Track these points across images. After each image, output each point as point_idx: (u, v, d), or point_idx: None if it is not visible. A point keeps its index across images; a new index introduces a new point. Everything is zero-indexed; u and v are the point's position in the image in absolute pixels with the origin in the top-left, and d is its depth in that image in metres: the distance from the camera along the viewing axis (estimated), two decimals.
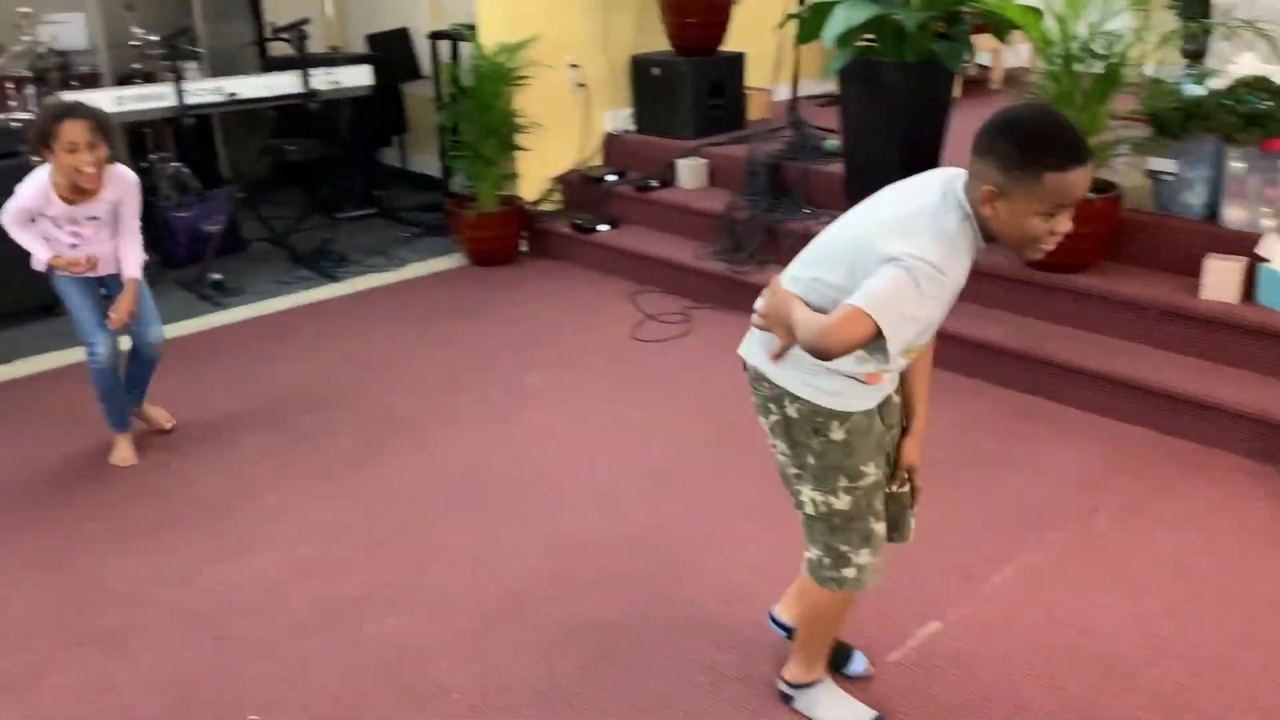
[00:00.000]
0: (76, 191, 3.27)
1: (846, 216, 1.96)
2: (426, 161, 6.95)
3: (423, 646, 2.61)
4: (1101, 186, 3.96)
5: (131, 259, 3.43)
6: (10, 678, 2.55)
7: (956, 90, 6.56)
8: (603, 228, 5.44)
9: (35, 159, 3.33)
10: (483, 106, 5.33)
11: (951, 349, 4.02)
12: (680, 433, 3.67)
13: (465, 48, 5.94)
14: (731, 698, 2.40)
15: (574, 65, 5.72)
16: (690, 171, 5.41)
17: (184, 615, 2.77)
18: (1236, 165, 3.75)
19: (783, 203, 4.92)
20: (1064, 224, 1.75)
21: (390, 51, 6.69)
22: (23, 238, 3.33)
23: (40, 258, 3.33)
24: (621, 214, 5.54)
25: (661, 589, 2.81)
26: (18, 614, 2.80)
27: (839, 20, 4.02)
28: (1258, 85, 3.81)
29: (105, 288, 3.50)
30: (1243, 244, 3.69)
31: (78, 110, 3.17)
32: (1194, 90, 3.83)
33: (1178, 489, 3.20)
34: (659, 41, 5.79)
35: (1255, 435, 3.32)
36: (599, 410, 3.86)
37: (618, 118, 5.98)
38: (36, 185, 3.28)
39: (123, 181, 3.36)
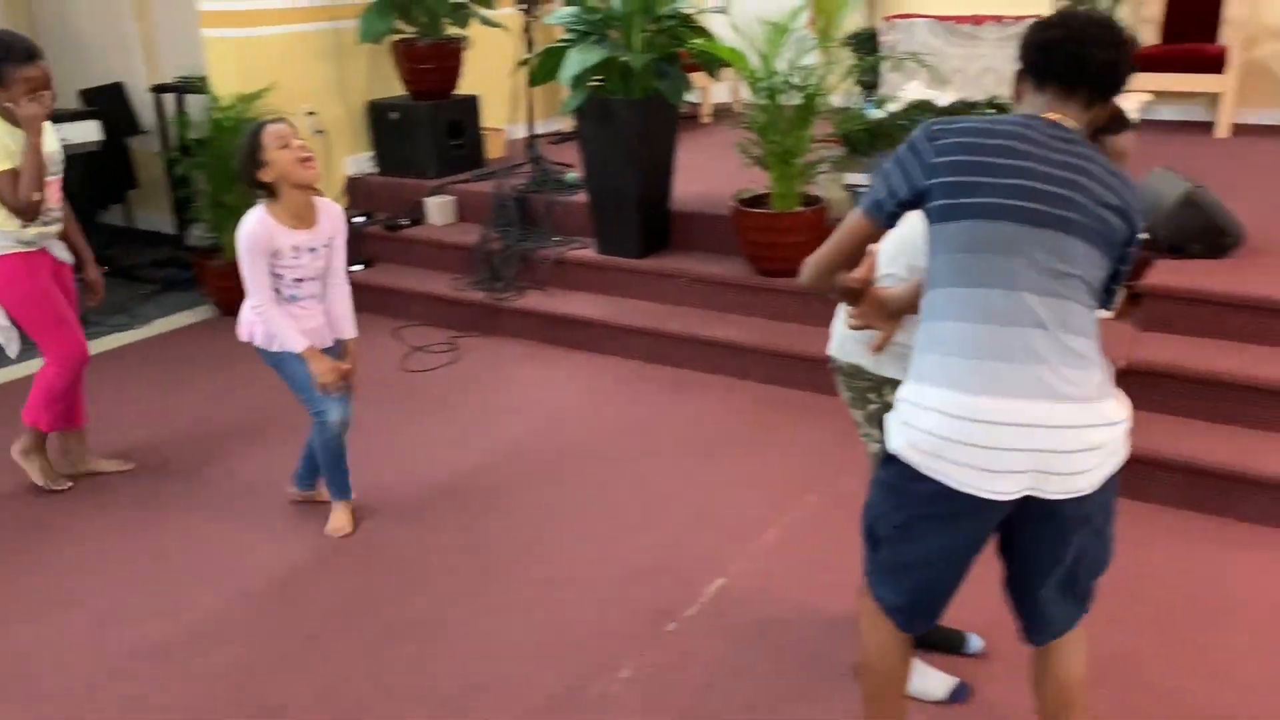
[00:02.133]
0: (299, 214, 3.11)
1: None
2: (153, 218, 6.77)
3: (258, 670, 2.70)
4: (809, 200, 4.56)
5: (349, 315, 3.31)
6: None
7: None
8: (356, 268, 5.55)
9: (256, 192, 3.09)
10: (222, 157, 5.32)
11: (696, 348, 4.51)
12: (464, 448, 3.90)
13: (192, 99, 5.90)
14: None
15: (311, 113, 5.81)
16: (439, 209, 5.64)
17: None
18: None
19: (533, 232, 5.26)
20: None
21: (106, 107, 6.46)
22: (277, 320, 3.13)
23: (296, 345, 3.14)
24: (374, 254, 5.68)
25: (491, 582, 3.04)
26: None
27: (574, 62, 4.41)
28: (924, 106, 4.56)
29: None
30: None
31: (271, 118, 3.09)
32: (875, 114, 4.52)
33: None
34: (395, 87, 6.00)
35: None
36: (384, 437, 4.01)
37: (359, 161, 6.12)
38: (255, 222, 3.07)
39: (334, 211, 3.22)
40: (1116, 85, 1.88)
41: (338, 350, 3.31)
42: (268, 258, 3.09)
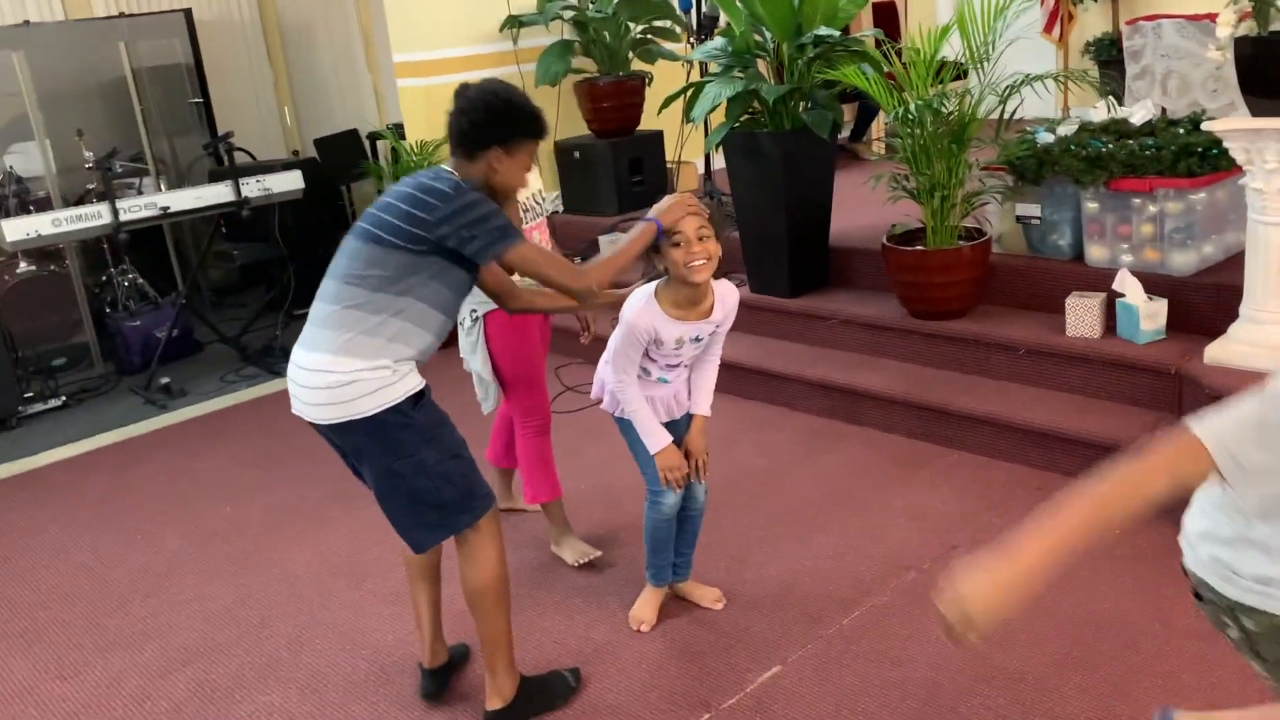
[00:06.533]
0: (687, 305, 2.71)
1: None
2: None
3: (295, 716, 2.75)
4: (970, 234, 4.11)
5: (709, 391, 2.93)
6: None
7: None
8: None
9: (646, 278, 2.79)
10: None
11: (835, 398, 4.18)
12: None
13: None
14: None
15: None
16: (608, 247, 5.61)
17: (72, 707, 2.92)
18: (1090, 205, 3.90)
19: None
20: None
21: (340, 152, 7.00)
22: (639, 409, 2.80)
23: (658, 442, 2.79)
24: None
25: None
26: None
27: (707, 98, 4.24)
28: (1108, 129, 3.98)
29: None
30: (1106, 280, 3.81)
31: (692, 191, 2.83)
32: (1045, 138, 3.99)
33: None
34: (580, 126, 6.06)
35: None
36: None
37: (548, 200, 6.22)
38: (642, 306, 2.71)
39: (731, 298, 2.81)
40: (464, 140, 2.50)
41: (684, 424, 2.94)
42: (645, 343, 2.76)
